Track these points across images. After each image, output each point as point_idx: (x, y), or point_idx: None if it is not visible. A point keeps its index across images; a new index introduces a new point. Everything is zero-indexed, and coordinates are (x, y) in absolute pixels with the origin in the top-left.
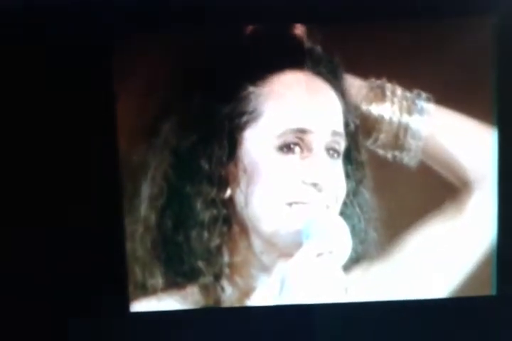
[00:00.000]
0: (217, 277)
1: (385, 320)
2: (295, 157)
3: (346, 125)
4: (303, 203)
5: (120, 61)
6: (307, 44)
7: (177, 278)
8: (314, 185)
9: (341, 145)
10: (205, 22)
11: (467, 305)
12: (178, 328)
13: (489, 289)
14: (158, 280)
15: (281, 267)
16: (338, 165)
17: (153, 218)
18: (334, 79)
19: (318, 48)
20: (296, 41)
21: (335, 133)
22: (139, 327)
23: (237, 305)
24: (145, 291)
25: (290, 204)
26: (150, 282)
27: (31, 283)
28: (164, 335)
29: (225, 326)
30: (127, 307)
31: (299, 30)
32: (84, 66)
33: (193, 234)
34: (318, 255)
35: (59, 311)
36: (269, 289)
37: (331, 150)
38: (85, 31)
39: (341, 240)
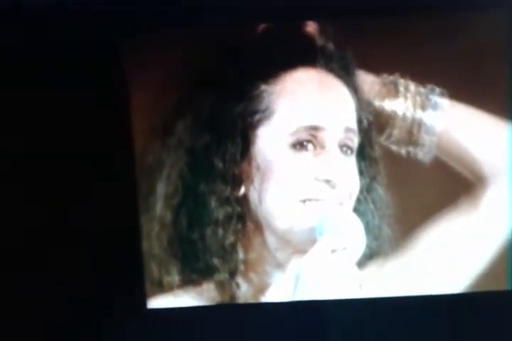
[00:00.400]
0: (233, 274)
1: (399, 316)
2: (308, 154)
3: (359, 121)
4: (316, 200)
5: (133, 60)
6: (319, 41)
7: (193, 275)
8: (327, 181)
9: (354, 141)
10: (217, 21)
11: (482, 300)
12: (194, 324)
13: (504, 284)
14: (175, 278)
15: (296, 264)
16: (351, 161)
17: (168, 216)
18: (347, 76)
19: (330, 45)
20: (308, 38)
21: (348, 130)
22: (155, 324)
23: (252, 301)
24: (161, 288)
25: (304, 201)
26: (166, 279)
27: (46, 280)
28: (180, 331)
29: (240, 322)
30: (144, 304)
31: (311, 27)
32: (97, 65)
33: (208, 231)
34: (333, 251)
35: (75, 309)
36: (284, 285)
37: (344, 147)
38: (97, 30)
39: (355, 236)
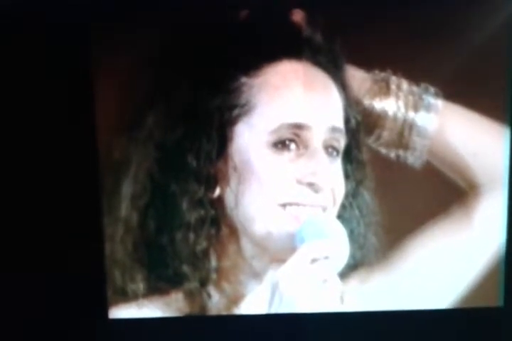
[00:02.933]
0: (204, 283)
1: (383, 332)
2: (290, 154)
3: (347, 121)
4: (297, 205)
5: (98, 45)
6: (306, 31)
7: (160, 283)
8: (310, 185)
9: (341, 142)
10: (194, 5)
11: (472, 317)
12: (160, 337)
13: (496, 300)
14: (140, 285)
15: (273, 273)
16: (336, 164)
17: (135, 218)
18: (335, 70)
19: (318, 36)
20: (294, 28)
21: (334, 130)
22: (117, 335)
23: (224, 313)
24: (125, 297)
25: (284, 205)
26: (130, 287)
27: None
28: None
29: (211, 336)
30: (106, 313)
31: (298, 15)
32: (60, 51)
33: (178, 236)
34: (313, 261)
35: (33, 316)
36: (260, 297)
37: (329, 148)
38: (62, 15)
39: (338, 245)
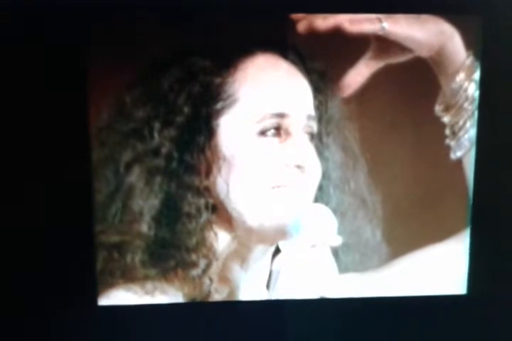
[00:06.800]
0: (202, 269)
1: (356, 317)
2: (275, 141)
3: (316, 108)
4: (286, 186)
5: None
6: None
7: (155, 269)
8: (298, 167)
9: (314, 128)
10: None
11: (437, 305)
12: (155, 324)
13: (460, 288)
14: (132, 271)
15: (272, 260)
16: (313, 147)
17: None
18: (301, 63)
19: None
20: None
21: (309, 117)
22: (107, 324)
23: (223, 299)
24: (116, 282)
25: (273, 188)
26: (122, 272)
27: None
28: (139, 333)
29: (211, 322)
30: (95, 300)
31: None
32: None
33: (174, 224)
34: (313, 246)
35: (17, 303)
36: (258, 283)
37: (307, 134)
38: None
39: (330, 232)
